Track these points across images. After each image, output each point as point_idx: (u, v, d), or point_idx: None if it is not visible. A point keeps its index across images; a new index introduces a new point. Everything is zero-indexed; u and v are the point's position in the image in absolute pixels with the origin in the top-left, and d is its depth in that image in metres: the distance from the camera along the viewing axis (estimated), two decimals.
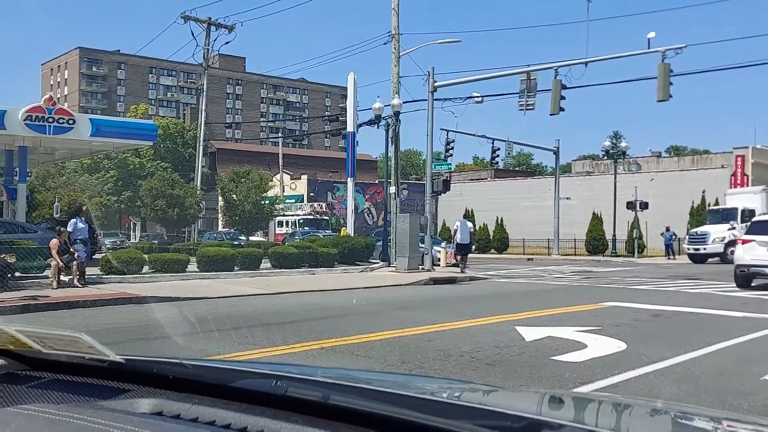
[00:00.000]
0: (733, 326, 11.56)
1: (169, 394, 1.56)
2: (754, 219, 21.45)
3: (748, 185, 46.83)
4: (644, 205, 40.95)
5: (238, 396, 1.48)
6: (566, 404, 1.87)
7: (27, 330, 1.83)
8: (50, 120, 22.62)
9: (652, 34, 23.49)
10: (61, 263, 16.37)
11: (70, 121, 23.29)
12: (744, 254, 18.80)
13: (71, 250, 16.87)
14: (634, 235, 40.84)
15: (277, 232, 51.74)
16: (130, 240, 56.29)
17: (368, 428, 1.28)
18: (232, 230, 43.95)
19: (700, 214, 41.73)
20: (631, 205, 40.87)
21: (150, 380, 1.64)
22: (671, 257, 39.04)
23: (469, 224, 26.96)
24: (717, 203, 41.05)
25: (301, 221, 49.93)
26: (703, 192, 44.89)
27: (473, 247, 27.29)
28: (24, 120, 22.10)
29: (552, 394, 2.22)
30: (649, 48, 23.52)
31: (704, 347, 9.18)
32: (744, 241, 19.16)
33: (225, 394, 1.50)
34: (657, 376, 7.50)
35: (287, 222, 52.31)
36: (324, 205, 57.27)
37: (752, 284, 18.64)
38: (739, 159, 51.78)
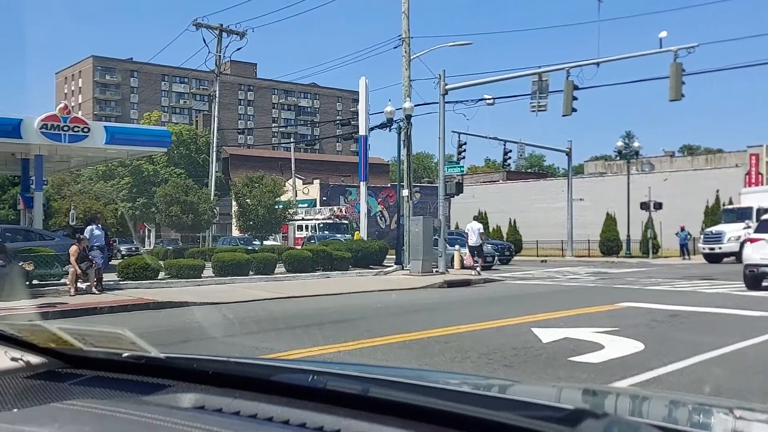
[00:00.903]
0: (752, 326, 11.49)
1: (210, 389, 1.59)
2: (763, 217, 20.09)
3: (762, 184, 46.54)
4: (658, 206, 40.73)
5: (277, 391, 1.51)
6: (599, 396, 1.89)
7: (68, 328, 1.87)
8: (65, 128, 22.78)
9: (663, 34, 23.45)
10: (79, 270, 16.49)
11: (85, 129, 23.45)
12: (753, 253, 17.90)
13: (89, 257, 17.00)
14: (649, 236, 40.59)
15: (296, 236, 51.86)
16: (144, 246, 56.56)
17: (410, 420, 1.30)
18: (246, 235, 44.07)
19: (715, 214, 41.47)
20: (644, 206, 40.64)
21: (190, 376, 1.67)
22: (686, 257, 38.81)
23: (479, 226, 26.91)
24: (731, 202, 40.78)
25: (321, 225, 49.86)
26: (717, 191, 44.62)
27: (484, 249, 27.19)
28: (40, 129, 22.29)
29: (585, 387, 2.25)
30: (661, 47, 23.44)
31: (723, 347, 9.13)
32: (752, 240, 18.27)
33: (264, 389, 1.53)
34: (676, 376, 7.47)
35: (307, 226, 52.32)
36: (344, 209, 57.00)
37: (763, 284, 17.89)
38: (753, 158, 51.45)
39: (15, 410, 1.53)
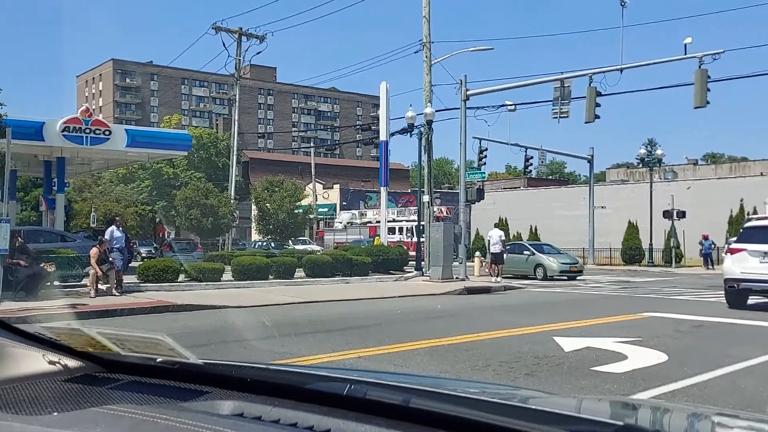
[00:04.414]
0: None
1: (248, 396, 1.57)
2: (745, 224, 17.33)
3: None
4: (681, 214, 40.39)
5: (316, 399, 1.49)
6: (626, 408, 1.86)
7: (107, 332, 1.86)
8: (87, 131, 22.98)
9: (688, 40, 23.23)
10: (99, 272, 16.59)
11: (107, 132, 23.64)
12: (733, 266, 15.68)
13: (110, 259, 17.10)
14: (672, 245, 40.28)
15: (389, 239, 46.33)
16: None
17: (451, 431, 1.27)
18: (277, 238, 43.92)
19: (739, 223, 40.97)
20: (667, 214, 40.32)
21: (227, 382, 1.65)
22: (710, 267, 38.41)
23: (500, 233, 26.90)
24: (756, 212, 40.31)
25: (412, 228, 43.20)
26: (742, 200, 44.15)
27: (505, 255, 27.20)
28: (62, 131, 22.50)
29: (614, 400, 2.21)
30: (685, 54, 23.25)
31: (748, 359, 9.00)
32: (733, 251, 15.89)
33: (303, 397, 1.51)
34: (701, 388, 7.38)
35: (401, 228, 47.73)
36: (444, 209, 51.58)
37: (748, 302, 16.02)
38: None
39: (56, 414, 1.52)
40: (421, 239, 27.21)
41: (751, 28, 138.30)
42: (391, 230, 47.32)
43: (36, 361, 1.71)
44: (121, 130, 25.01)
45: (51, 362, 1.72)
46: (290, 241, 46.05)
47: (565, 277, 28.17)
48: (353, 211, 56.18)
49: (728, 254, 16.35)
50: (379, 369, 8.12)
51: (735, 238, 17.08)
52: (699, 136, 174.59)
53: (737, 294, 15.83)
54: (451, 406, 1.35)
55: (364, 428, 1.35)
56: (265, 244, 42.79)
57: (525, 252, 29.54)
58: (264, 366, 1.69)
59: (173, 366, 1.69)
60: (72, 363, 1.76)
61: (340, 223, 53.62)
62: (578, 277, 28.68)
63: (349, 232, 49.90)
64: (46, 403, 1.55)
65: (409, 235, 44.19)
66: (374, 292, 19.76)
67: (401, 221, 49.64)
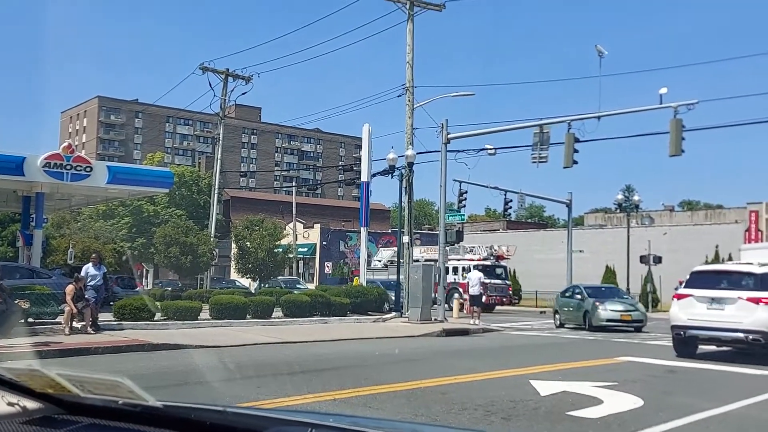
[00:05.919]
0: (752, 384, 11.41)
1: None
2: (694, 269, 16.73)
3: (762, 241, 46.54)
4: (657, 259, 40.73)
5: None
6: None
7: (67, 373, 1.85)
8: (68, 167, 22.84)
9: (664, 90, 23.61)
10: (75, 309, 16.38)
11: (88, 169, 23.51)
12: (679, 312, 14.91)
13: (86, 297, 16.90)
14: (648, 289, 40.53)
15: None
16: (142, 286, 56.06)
17: None
18: (292, 277, 43.27)
19: None
20: (644, 259, 40.64)
21: (186, 425, 1.65)
22: None
23: (480, 275, 26.96)
24: (731, 258, 40.72)
25: (480, 267, 35.34)
26: (717, 247, 44.64)
27: (484, 298, 27.18)
28: (42, 167, 22.35)
29: None
30: (661, 103, 23.64)
31: (722, 405, 9.05)
32: (680, 296, 15.28)
33: None
34: None
35: (456, 268, 41.85)
36: (507, 247, 45.19)
37: (698, 350, 15.36)
38: (753, 214, 51.56)
39: None
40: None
41: (725, 81, 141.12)
42: (455, 270, 42.24)
43: None
44: (102, 167, 24.85)
45: (10, 403, 1.71)
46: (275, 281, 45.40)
47: (632, 329, 23.76)
48: (394, 248, 51.36)
49: (674, 299, 15.63)
50: (353, 413, 8.07)
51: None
52: (676, 183, 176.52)
53: (684, 342, 15.12)
54: None
55: None
56: (268, 285, 39.89)
57: (577, 296, 25.76)
58: (222, 408, 1.70)
59: (133, 408, 1.69)
60: (31, 404, 1.75)
61: (380, 261, 50.27)
62: (643, 330, 24.01)
63: (390, 271, 43.83)
64: None
65: (464, 274, 38.69)
66: (352, 333, 19.65)
67: (459, 260, 42.77)
